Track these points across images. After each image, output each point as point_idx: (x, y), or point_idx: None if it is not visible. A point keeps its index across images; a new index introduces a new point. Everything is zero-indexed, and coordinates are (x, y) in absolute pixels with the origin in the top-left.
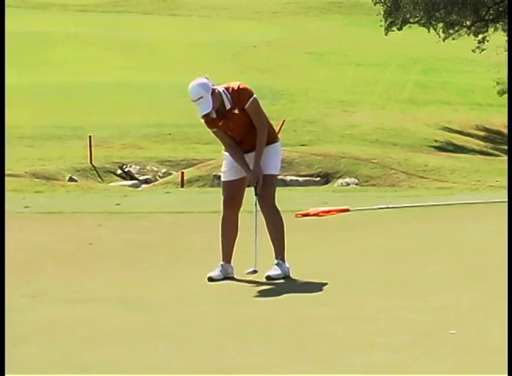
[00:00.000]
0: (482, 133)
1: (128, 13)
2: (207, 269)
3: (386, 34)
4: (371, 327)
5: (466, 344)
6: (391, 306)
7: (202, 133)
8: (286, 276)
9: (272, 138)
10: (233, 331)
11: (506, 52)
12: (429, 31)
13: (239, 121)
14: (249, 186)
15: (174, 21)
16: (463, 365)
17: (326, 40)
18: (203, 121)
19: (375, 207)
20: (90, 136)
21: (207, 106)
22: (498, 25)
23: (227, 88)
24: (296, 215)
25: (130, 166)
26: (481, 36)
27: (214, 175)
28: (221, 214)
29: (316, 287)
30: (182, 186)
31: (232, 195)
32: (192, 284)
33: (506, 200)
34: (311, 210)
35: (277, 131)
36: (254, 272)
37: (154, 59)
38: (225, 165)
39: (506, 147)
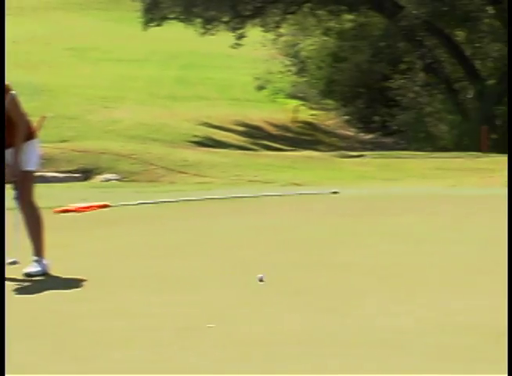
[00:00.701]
0: (241, 128)
1: None
2: None
3: (145, 30)
4: (131, 322)
5: (226, 338)
6: (153, 302)
7: None
8: (46, 273)
9: (30, 134)
10: None
11: (264, 48)
12: (187, 27)
13: None
14: (7, 182)
15: None
16: (223, 359)
17: (87, 36)
18: None
19: (135, 202)
20: None
21: None
22: (255, 21)
23: None
24: (55, 212)
25: None
26: (238, 32)
27: None
28: None
29: (77, 283)
30: None
31: None
32: None
33: (268, 194)
34: (71, 206)
35: (36, 127)
36: (15, 263)
37: None
38: None
39: (265, 142)
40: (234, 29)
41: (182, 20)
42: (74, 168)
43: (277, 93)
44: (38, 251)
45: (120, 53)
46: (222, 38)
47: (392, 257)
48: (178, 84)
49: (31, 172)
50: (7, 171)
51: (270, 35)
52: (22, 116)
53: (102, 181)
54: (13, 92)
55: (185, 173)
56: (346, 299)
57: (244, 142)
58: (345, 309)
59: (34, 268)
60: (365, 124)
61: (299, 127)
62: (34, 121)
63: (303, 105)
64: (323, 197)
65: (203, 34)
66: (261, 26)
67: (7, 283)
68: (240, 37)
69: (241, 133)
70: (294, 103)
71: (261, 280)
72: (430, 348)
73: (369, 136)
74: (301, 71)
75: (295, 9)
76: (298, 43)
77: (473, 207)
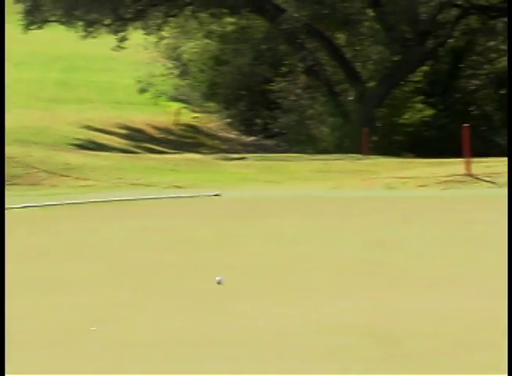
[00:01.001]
0: (123, 131)
1: None
2: None
3: (25, 33)
4: (15, 324)
5: (109, 340)
6: (36, 304)
7: None
8: None
9: None
10: None
11: (146, 51)
12: (69, 30)
13: None
14: None
15: None
16: (106, 361)
17: None
18: None
19: (17, 205)
20: None
21: None
22: (137, 24)
23: None
24: None
25: None
26: (120, 35)
27: None
28: None
29: None
30: None
31: None
32: None
33: (150, 197)
34: None
35: None
36: None
37: None
38: None
39: (147, 145)
40: (116, 32)
41: (63, 23)
42: None
43: (159, 96)
44: None
45: None
46: (104, 41)
47: (274, 259)
48: (59, 87)
49: None
50: None
51: (152, 38)
52: None
53: None
54: None
55: (68, 176)
56: (228, 301)
57: (126, 145)
58: (227, 311)
59: None
60: (247, 127)
61: (181, 129)
62: None
63: (185, 108)
64: (205, 200)
65: (85, 36)
66: (143, 29)
67: None
68: (122, 39)
69: (123, 136)
70: (177, 105)
71: (218, 283)
72: (311, 349)
73: (250, 139)
74: (183, 74)
75: (177, 11)
76: (180, 46)
77: (354, 209)
